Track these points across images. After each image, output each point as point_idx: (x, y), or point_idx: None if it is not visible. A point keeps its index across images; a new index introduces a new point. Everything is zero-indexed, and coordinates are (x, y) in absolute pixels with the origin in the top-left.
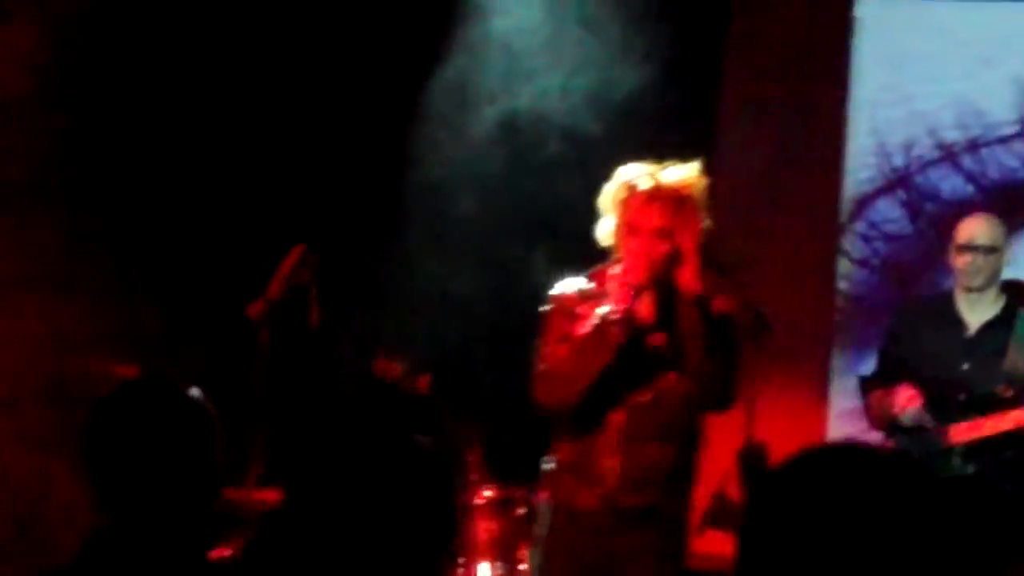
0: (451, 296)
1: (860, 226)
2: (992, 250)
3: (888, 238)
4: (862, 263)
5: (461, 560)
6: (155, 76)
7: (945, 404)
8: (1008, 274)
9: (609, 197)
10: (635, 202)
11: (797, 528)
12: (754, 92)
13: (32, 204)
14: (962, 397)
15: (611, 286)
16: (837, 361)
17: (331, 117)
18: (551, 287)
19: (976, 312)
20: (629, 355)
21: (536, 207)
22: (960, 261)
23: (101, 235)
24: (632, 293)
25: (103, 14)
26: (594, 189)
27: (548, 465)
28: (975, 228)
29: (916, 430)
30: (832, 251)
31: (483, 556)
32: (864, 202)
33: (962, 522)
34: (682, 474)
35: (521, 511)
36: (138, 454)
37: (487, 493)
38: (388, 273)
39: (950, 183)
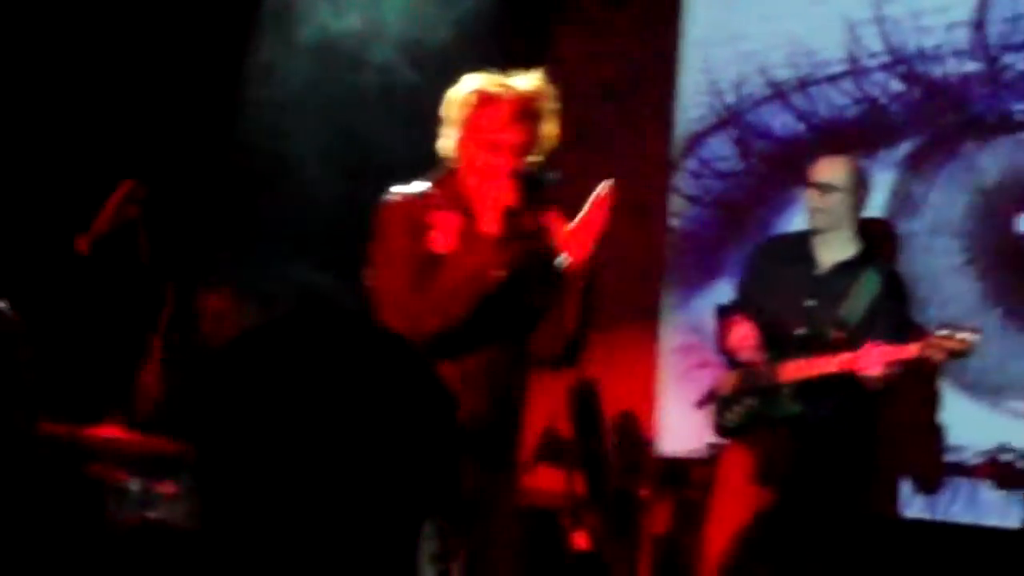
0: (288, 229)
1: (692, 163)
2: (831, 189)
3: (719, 175)
4: (693, 200)
5: None
6: None
7: (784, 340)
8: None
9: (456, 105)
10: (494, 115)
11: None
12: (594, 16)
13: None
14: (799, 332)
15: (482, 207)
16: (667, 298)
17: (158, 46)
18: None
19: (830, 251)
20: (503, 299)
21: (367, 130)
22: (807, 197)
23: None
24: (508, 226)
25: None
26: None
27: None
28: (819, 167)
29: (750, 365)
30: (664, 188)
31: None
32: (696, 139)
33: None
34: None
35: None
36: None
37: None
38: (220, 205)
39: (780, 121)
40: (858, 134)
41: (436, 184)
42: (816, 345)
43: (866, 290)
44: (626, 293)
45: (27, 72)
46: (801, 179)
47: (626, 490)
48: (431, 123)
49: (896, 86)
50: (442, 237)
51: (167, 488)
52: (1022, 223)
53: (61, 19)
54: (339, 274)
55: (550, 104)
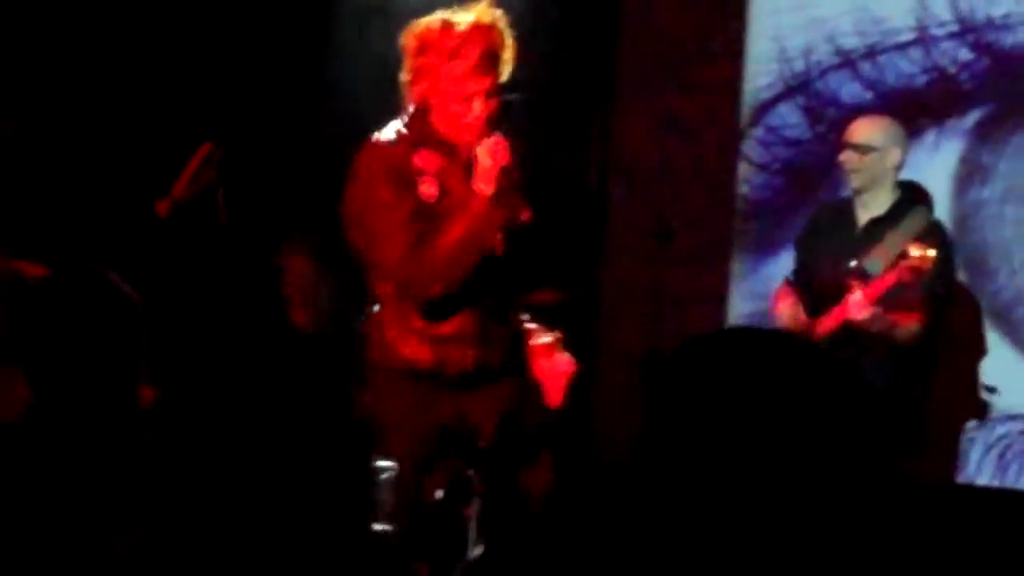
0: None
1: (760, 131)
2: (869, 149)
3: (788, 143)
4: (762, 167)
5: None
6: None
7: (829, 301)
8: (906, 178)
9: (416, 51)
10: (460, 66)
11: (693, 407)
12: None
13: None
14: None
15: (485, 159)
16: (736, 265)
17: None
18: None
19: (867, 210)
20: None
21: None
22: (843, 158)
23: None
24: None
25: None
26: None
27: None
28: (855, 127)
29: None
30: (733, 156)
31: None
32: (764, 107)
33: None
34: None
35: None
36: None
37: None
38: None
39: (849, 89)
40: (926, 103)
41: (409, 125)
42: (837, 298)
43: (898, 239)
44: (696, 260)
45: (110, 37)
46: None
47: None
48: None
49: (965, 55)
50: (431, 184)
51: None
52: None
53: None
54: None
55: (506, 31)
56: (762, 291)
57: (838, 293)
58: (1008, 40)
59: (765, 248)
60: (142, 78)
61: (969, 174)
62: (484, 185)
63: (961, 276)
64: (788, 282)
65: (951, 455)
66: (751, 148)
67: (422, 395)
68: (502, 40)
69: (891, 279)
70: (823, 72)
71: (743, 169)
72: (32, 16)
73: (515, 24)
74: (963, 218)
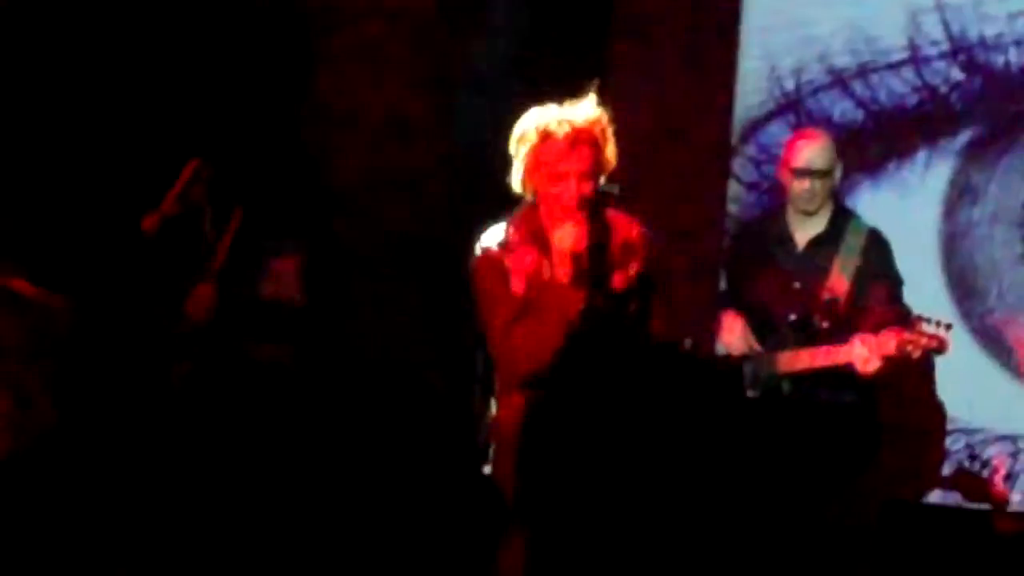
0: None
1: (750, 149)
2: (827, 174)
3: (778, 161)
4: (751, 186)
5: None
6: None
7: (777, 325)
8: (897, 199)
9: (518, 141)
10: (553, 147)
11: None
12: (648, 7)
13: None
14: (792, 318)
15: (559, 245)
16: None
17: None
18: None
19: (804, 229)
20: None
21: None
22: (797, 186)
23: None
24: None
25: None
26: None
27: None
28: (811, 153)
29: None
30: (723, 175)
31: None
32: (755, 125)
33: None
34: None
35: None
36: None
37: None
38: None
39: (840, 108)
40: (918, 122)
41: (515, 222)
42: (808, 331)
43: (847, 262)
44: (685, 280)
45: (96, 51)
46: (862, 167)
47: None
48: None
49: (957, 74)
50: (517, 281)
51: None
52: None
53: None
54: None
55: (607, 128)
56: None
57: (785, 320)
58: (1000, 60)
59: None
60: (132, 94)
61: (959, 194)
62: (559, 269)
63: (950, 297)
64: (731, 308)
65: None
66: (740, 167)
67: None
68: (598, 132)
69: (900, 343)
70: (814, 91)
71: (732, 188)
72: (24, 29)
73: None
74: (953, 238)
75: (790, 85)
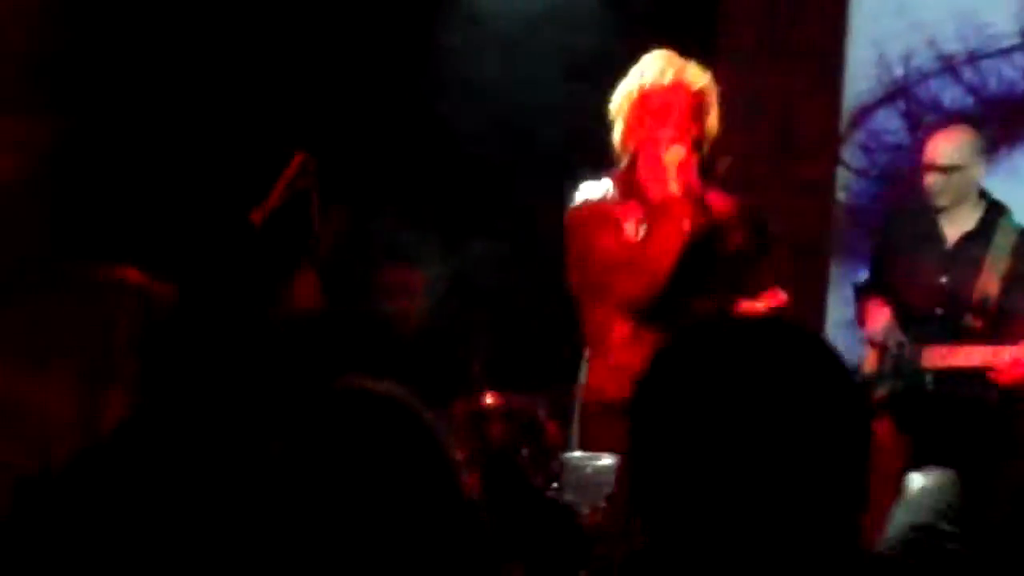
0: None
1: (859, 136)
2: (954, 169)
3: (887, 148)
4: (861, 173)
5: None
6: None
7: (925, 320)
8: (1008, 185)
9: (620, 100)
10: (657, 112)
11: (685, 401)
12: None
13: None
14: (939, 312)
15: (670, 160)
16: (834, 271)
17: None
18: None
19: (954, 224)
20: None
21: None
22: (927, 180)
23: (101, 138)
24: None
25: None
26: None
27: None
28: (936, 147)
29: (894, 346)
30: (832, 162)
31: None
32: (864, 112)
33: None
34: None
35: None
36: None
37: (489, 400)
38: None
39: (950, 94)
40: None
41: (615, 178)
42: (955, 329)
43: (997, 261)
44: (795, 267)
45: (206, 46)
46: None
47: None
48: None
49: None
50: (633, 227)
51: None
52: None
53: None
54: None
55: (711, 98)
56: None
57: (931, 314)
58: None
59: (863, 254)
60: (239, 89)
61: None
62: (673, 183)
63: None
64: (881, 295)
65: None
66: (850, 153)
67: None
68: (703, 101)
69: None
70: (924, 77)
71: (842, 175)
72: (134, 25)
73: None
74: None
75: (899, 72)
